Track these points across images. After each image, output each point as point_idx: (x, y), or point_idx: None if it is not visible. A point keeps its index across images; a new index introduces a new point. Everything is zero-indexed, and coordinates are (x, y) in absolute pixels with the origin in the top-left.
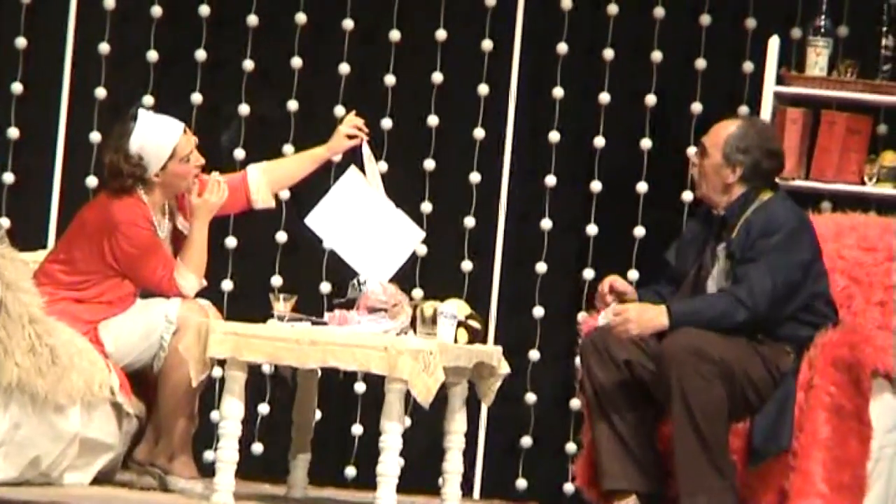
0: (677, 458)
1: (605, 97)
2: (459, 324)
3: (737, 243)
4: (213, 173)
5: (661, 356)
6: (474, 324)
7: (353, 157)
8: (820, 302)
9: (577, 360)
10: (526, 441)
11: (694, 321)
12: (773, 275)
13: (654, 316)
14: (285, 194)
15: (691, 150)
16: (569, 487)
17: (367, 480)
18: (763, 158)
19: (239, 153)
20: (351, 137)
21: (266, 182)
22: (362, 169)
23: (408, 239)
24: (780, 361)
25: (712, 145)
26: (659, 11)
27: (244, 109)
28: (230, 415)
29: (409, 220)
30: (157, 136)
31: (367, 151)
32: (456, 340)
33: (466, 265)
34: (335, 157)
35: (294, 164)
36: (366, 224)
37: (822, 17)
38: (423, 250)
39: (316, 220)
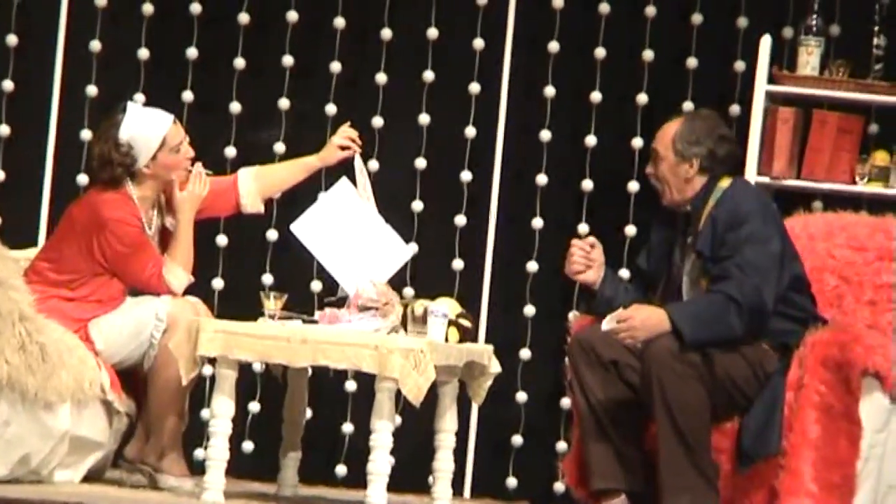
0: (660, 458)
1: (596, 96)
2: (450, 322)
3: (703, 239)
4: (196, 164)
5: (642, 358)
6: (465, 322)
7: (345, 168)
8: (796, 291)
9: (567, 360)
10: (517, 440)
11: (692, 324)
12: (753, 269)
13: (658, 321)
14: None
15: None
16: (559, 486)
17: (357, 479)
18: (715, 145)
19: (230, 151)
20: (344, 149)
21: (256, 188)
22: (354, 181)
23: (395, 256)
24: (763, 360)
25: (663, 148)
26: (650, 10)
27: (235, 107)
28: (220, 413)
29: (398, 236)
30: (146, 125)
31: (359, 164)
32: (447, 339)
33: (457, 264)
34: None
35: (285, 171)
36: (352, 237)
37: (814, 16)
38: (414, 249)
39: (301, 228)
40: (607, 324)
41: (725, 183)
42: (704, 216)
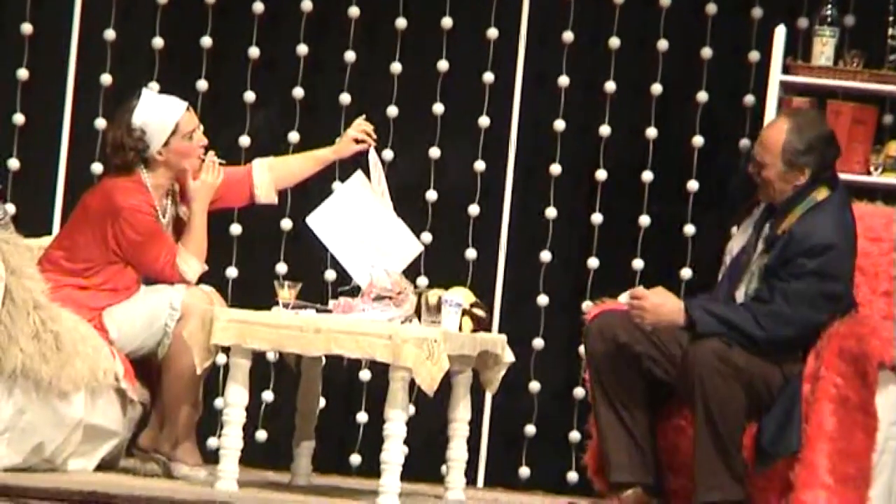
0: (696, 456)
1: (610, 86)
2: (464, 312)
3: (776, 250)
4: (209, 153)
5: (685, 357)
6: (479, 312)
7: (359, 161)
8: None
9: (582, 348)
10: (529, 429)
11: (712, 326)
12: (798, 305)
13: (671, 311)
14: None
15: (746, 145)
16: (572, 476)
17: (370, 468)
18: (826, 148)
19: (244, 140)
20: (359, 142)
21: (270, 179)
22: (368, 174)
23: (405, 251)
24: (792, 366)
25: (771, 157)
26: (665, 0)
27: (249, 97)
28: (234, 402)
29: (410, 232)
30: (160, 111)
31: (373, 157)
32: (460, 329)
33: (471, 253)
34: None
35: (299, 163)
36: (366, 231)
37: (829, 6)
38: (427, 238)
39: (317, 220)
40: (623, 297)
41: (821, 195)
42: (788, 220)
